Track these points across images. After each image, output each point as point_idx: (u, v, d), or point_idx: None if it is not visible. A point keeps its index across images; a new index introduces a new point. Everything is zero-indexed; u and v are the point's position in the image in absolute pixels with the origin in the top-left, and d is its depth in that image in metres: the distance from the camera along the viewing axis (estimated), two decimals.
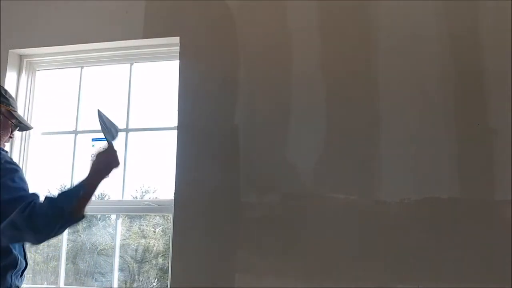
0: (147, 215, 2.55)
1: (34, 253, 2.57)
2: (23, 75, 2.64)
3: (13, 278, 1.65)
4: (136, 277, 2.53)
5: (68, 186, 1.78)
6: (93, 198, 1.61)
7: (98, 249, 2.57)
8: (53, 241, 2.56)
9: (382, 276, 1.96)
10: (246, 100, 2.22)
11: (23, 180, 1.62)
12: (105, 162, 1.65)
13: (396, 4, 2.14)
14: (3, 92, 1.80)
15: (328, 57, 2.17)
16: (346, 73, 2.14)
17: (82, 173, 2.48)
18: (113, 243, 2.43)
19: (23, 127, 1.89)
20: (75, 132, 2.54)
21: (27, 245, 1.77)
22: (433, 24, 2.09)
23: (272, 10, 2.27)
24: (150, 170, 2.49)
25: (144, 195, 2.56)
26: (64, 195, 1.57)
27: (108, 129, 1.73)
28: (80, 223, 1.71)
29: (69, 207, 1.51)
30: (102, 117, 1.73)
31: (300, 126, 2.14)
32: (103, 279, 2.50)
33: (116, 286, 2.38)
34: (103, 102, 2.57)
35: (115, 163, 1.67)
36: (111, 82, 2.62)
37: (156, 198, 2.52)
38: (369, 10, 2.17)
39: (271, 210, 2.10)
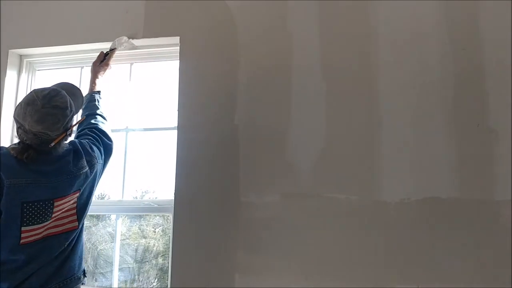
0: (147, 215, 2.55)
1: None
2: (23, 75, 2.63)
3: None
4: (136, 277, 2.53)
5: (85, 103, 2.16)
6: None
7: (98, 249, 2.57)
8: None
9: (382, 276, 1.96)
10: (246, 100, 2.22)
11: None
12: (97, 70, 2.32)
13: (396, 4, 2.14)
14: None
15: (328, 57, 2.17)
16: (346, 73, 2.14)
17: None
18: (113, 243, 2.43)
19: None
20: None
21: None
22: (433, 24, 2.09)
23: (272, 11, 2.27)
24: (150, 170, 2.48)
25: (144, 195, 2.56)
26: (96, 108, 2.14)
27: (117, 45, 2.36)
28: None
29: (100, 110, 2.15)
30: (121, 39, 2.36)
31: (300, 126, 2.14)
32: (103, 279, 2.50)
33: (116, 286, 2.38)
34: (103, 102, 2.57)
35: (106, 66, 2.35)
36: (111, 82, 2.61)
37: (156, 198, 2.52)
38: (369, 10, 2.17)
39: (271, 210, 2.10)
